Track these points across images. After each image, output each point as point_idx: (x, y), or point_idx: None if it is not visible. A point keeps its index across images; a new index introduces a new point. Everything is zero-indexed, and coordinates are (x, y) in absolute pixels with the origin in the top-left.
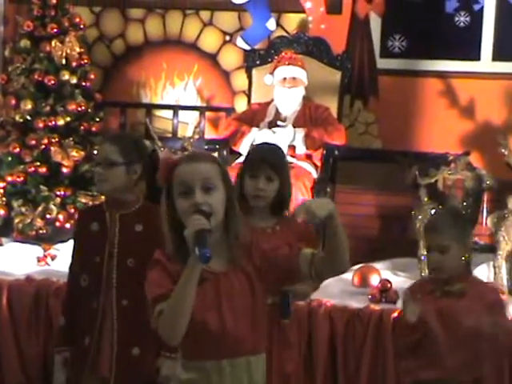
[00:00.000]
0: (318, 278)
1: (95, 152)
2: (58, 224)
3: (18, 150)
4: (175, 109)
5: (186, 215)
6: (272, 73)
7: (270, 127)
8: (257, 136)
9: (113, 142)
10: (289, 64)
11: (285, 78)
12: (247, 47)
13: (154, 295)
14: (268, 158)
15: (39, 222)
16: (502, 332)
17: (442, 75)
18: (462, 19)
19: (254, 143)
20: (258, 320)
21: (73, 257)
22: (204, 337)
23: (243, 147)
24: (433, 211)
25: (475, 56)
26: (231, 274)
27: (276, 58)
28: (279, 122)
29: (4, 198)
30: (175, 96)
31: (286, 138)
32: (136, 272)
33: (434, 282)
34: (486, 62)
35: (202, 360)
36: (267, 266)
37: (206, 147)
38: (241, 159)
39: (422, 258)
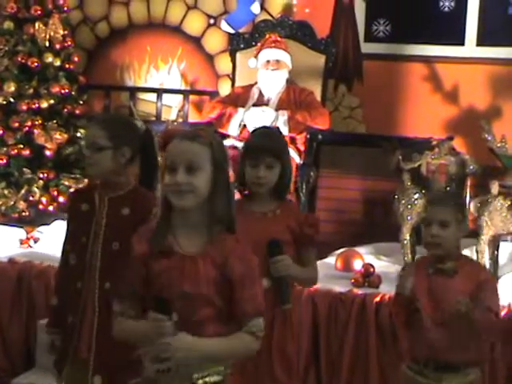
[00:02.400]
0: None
1: (78, 134)
2: (40, 207)
3: (0, 132)
4: (159, 92)
5: (168, 191)
6: (256, 56)
7: None
8: (245, 116)
9: (101, 125)
10: (273, 47)
11: (268, 61)
12: (231, 31)
13: (117, 288)
14: (268, 146)
15: (22, 205)
16: (492, 313)
17: (426, 60)
18: (447, 4)
19: (243, 123)
20: (222, 309)
21: (65, 235)
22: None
23: (231, 129)
24: (416, 195)
25: (459, 41)
26: (199, 260)
27: (260, 41)
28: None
29: None
30: (159, 79)
31: (269, 119)
32: (120, 255)
33: (429, 260)
34: (470, 47)
35: None
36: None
37: None
38: (225, 142)
39: (405, 242)
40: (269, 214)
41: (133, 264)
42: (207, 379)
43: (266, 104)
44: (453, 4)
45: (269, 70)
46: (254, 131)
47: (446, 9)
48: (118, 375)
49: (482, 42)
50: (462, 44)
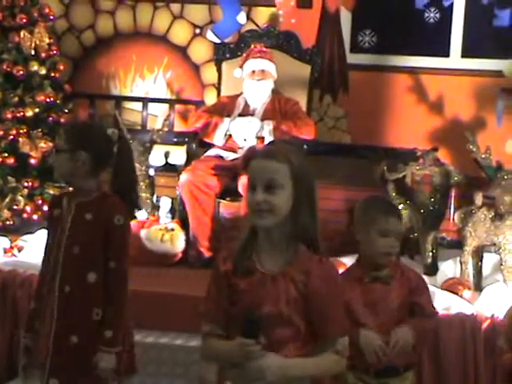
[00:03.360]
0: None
1: None
2: (25, 215)
3: None
4: (144, 101)
5: (250, 210)
6: (242, 66)
7: None
8: (230, 126)
9: (63, 129)
10: (258, 57)
11: (254, 71)
12: (217, 40)
13: (202, 309)
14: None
15: (6, 213)
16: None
17: (411, 71)
18: (432, 15)
19: (228, 133)
20: (301, 329)
21: (46, 241)
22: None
23: (217, 138)
24: (401, 206)
25: (444, 52)
26: (280, 279)
27: (246, 51)
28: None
29: None
30: (145, 88)
31: (254, 129)
32: (80, 260)
33: (362, 268)
34: (455, 59)
35: None
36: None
37: (175, 140)
38: (210, 152)
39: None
40: None
41: (217, 283)
42: None
43: (252, 114)
44: (438, 16)
45: (254, 80)
46: None
47: (432, 20)
48: (74, 379)
49: (466, 53)
50: (447, 55)
